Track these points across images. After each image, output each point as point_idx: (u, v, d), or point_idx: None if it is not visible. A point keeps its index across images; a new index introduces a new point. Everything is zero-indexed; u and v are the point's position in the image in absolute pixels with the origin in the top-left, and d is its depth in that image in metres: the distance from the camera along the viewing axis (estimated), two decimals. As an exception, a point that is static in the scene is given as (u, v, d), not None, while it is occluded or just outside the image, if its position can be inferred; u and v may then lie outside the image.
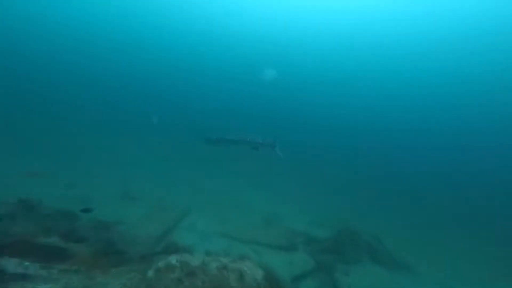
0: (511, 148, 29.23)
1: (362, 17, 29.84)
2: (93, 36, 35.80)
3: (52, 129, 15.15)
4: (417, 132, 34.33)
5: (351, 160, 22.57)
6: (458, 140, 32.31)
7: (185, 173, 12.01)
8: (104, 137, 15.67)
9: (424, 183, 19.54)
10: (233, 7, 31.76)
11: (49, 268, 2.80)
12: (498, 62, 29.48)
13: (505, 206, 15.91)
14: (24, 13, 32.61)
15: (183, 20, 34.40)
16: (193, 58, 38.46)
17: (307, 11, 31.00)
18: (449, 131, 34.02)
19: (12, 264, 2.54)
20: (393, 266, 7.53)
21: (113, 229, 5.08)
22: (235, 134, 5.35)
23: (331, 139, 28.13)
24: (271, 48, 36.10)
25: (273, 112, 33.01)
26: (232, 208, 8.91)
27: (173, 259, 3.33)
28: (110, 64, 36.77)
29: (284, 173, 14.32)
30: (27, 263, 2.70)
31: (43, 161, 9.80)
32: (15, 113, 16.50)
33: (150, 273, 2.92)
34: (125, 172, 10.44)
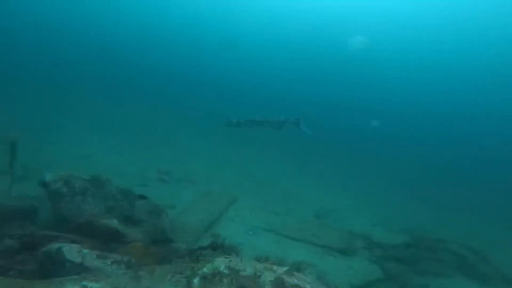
0: None
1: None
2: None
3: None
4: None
5: (418, 148, 19.30)
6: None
7: (230, 156, 11.95)
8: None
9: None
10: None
11: (104, 258, 2.76)
12: None
13: None
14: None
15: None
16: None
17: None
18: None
19: (72, 252, 2.54)
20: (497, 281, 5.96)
21: (164, 214, 5.18)
22: (257, 115, 5.08)
23: (394, 124, 24.62)
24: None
25: (329, 98, 30.52)
26: (280, 199, 8.42)
27: (221, 264, 2.98)
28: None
29: (340, 161, 13.01)
30: (85, 251, 2.69)
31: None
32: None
33: (196, 281, 2.63)
34: (175, 151, 10.86)
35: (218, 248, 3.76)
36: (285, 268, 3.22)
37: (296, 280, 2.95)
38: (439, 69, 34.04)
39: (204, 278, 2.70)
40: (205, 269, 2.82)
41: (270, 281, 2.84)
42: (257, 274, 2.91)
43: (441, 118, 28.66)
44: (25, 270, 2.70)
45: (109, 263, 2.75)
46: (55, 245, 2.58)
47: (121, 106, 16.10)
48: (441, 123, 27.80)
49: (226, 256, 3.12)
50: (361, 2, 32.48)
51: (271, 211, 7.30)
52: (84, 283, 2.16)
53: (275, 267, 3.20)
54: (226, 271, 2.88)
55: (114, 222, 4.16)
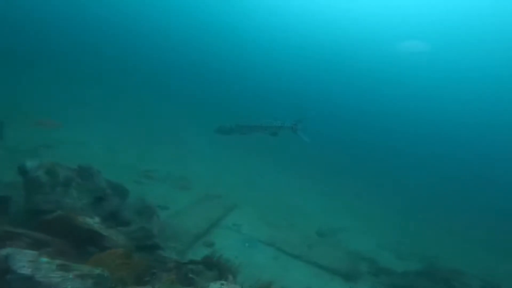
0: None
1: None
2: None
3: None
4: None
5: (432, 166, 18.42)
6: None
7: (233, 161, 11.43)
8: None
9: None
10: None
11: (67, 270, 2.19)
12: None
13: None
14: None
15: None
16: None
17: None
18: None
19: (24, 259, 1.96)
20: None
21: (155, 216, 4.62)
22: (251, 120, 4.78)
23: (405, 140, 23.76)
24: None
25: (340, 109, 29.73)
26: (282, 211, 7.80)
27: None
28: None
29: (348, 178, 12.33)
30: (43, 260, 2.12)
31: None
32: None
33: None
34: (179, 152, 10.40)
35: (213, 266, 3.18)
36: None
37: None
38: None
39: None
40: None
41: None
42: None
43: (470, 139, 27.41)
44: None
45: (70, 277, 2.18)
46: (3, 251, 2.03)
47: (134, 100, 15.79)
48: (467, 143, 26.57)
49: (222, 283, 2.52)
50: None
51: (272, 224, 6.67)
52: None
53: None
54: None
55: (94, 221, 3.60)
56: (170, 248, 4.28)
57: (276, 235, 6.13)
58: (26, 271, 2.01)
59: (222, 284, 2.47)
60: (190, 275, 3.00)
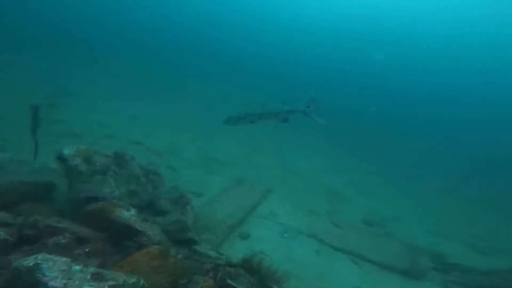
0: None
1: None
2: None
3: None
4: None
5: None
6: None
7: (266, 140, 10.81)
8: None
9: None
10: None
11: (101, 280, 2.00)
12: None
13: None
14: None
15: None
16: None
17: None
18: None
19: (56, 268, 1.77)
20: None
21: (189, 207, 4.44)
22: (259, 106, 4.47)
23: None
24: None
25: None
26: (322, 196, 7.22)
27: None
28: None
29: (396, 157, 10.96)
30: (76, 268, 1.94)
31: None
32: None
33: None
34: (208, 130, 10.15)
35: (254, 273, 2.84)
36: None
37: None
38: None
39: None
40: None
41: None
42: None
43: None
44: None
45: (105, 289, 1.97)
46: (30, 260, 1.87)
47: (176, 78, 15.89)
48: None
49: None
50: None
51: (311, 211, 6.18)
52: None
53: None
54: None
55: (130, 214, 3.49)
56: (204, 240, 4.11)
57: (317, 225, 5.66)
58: (59, 283, 1.83)
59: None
60: (229, 281, 2.71)
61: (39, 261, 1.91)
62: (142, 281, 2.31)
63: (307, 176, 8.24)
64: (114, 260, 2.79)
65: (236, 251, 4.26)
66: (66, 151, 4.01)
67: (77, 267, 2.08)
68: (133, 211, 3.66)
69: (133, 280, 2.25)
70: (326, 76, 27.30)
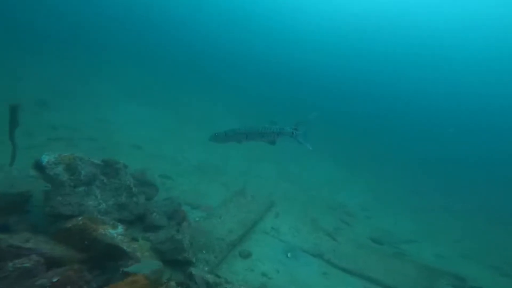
0: None
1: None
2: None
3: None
4: None
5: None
6: None
7: (268, 148, 10.43)
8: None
9: None
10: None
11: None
12: None
13: None
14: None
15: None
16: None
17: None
18: None
19: None
20: None
21: (185, 223, 3.98)
22: (247, 125, 4.38)
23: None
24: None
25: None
26: (328, 210, 6.80)
27: None
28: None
29: (402, 172, 10.59)
30: None
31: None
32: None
33: None
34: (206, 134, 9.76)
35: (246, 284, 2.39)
36: None
37: None
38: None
39: None
40: None
41: None
42: None
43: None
44: None
45: None
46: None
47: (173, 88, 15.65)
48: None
49: None
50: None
51: (317, 227, 5.73)
52: None
53: None
54: None
55: (117, 232, 3.02)
56: (201, 261, 3.62)
57: (323, 243, 5.20)
58: None
59: None
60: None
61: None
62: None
63: (312, 187, 7.82)
64: (93, 290, 2.30)
65: (236, 272, 3.78)
66: (46, 158, 3.52)
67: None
68: (120, 229, 3.19)
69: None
70: (332, 83, 27.17)
